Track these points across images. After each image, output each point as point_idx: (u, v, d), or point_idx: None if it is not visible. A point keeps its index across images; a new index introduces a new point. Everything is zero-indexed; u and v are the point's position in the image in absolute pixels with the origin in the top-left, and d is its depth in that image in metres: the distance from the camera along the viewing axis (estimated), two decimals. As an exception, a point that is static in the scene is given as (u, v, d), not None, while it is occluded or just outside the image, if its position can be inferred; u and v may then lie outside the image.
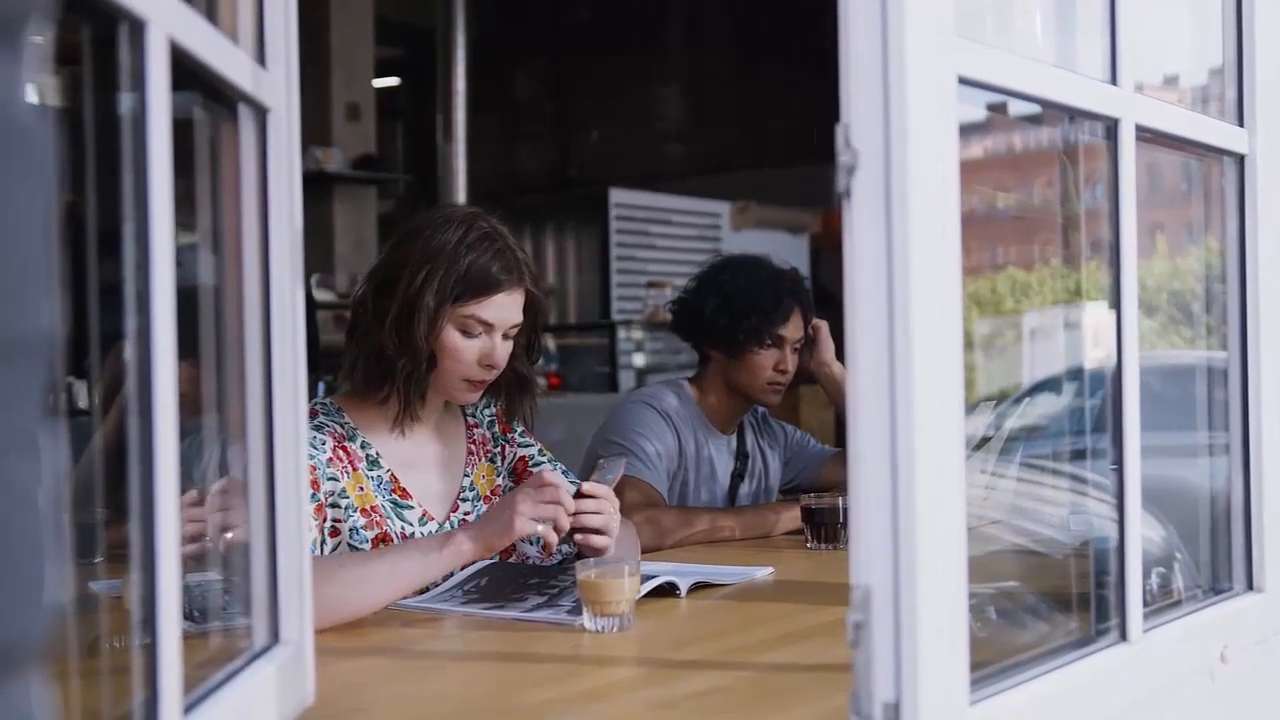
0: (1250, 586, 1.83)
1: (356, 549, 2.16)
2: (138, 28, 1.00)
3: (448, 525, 2.28)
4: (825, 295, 5.48)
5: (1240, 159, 1.82)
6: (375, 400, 2.26)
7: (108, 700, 1.16)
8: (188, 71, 1.12)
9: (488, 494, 2.38)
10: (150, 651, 1.01)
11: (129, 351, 1.01)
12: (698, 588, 2.18)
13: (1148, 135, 1.60)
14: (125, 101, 1.02)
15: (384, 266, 2.24)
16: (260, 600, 1.36)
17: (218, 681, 1.21)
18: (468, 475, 2.36)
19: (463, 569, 2.16)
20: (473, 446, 2.40)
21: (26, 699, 0.58)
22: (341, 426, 2.23)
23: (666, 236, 8.07)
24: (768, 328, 2.98)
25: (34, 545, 0.57)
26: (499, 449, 2.44)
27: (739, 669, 1.69)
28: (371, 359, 2.22)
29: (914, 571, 1.17)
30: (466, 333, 2.21)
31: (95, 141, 1.04)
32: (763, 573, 2.35)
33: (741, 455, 3.15)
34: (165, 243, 1.02)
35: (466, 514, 2.32)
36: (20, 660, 0.57)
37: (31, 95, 0.59)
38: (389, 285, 2.20)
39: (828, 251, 8.30)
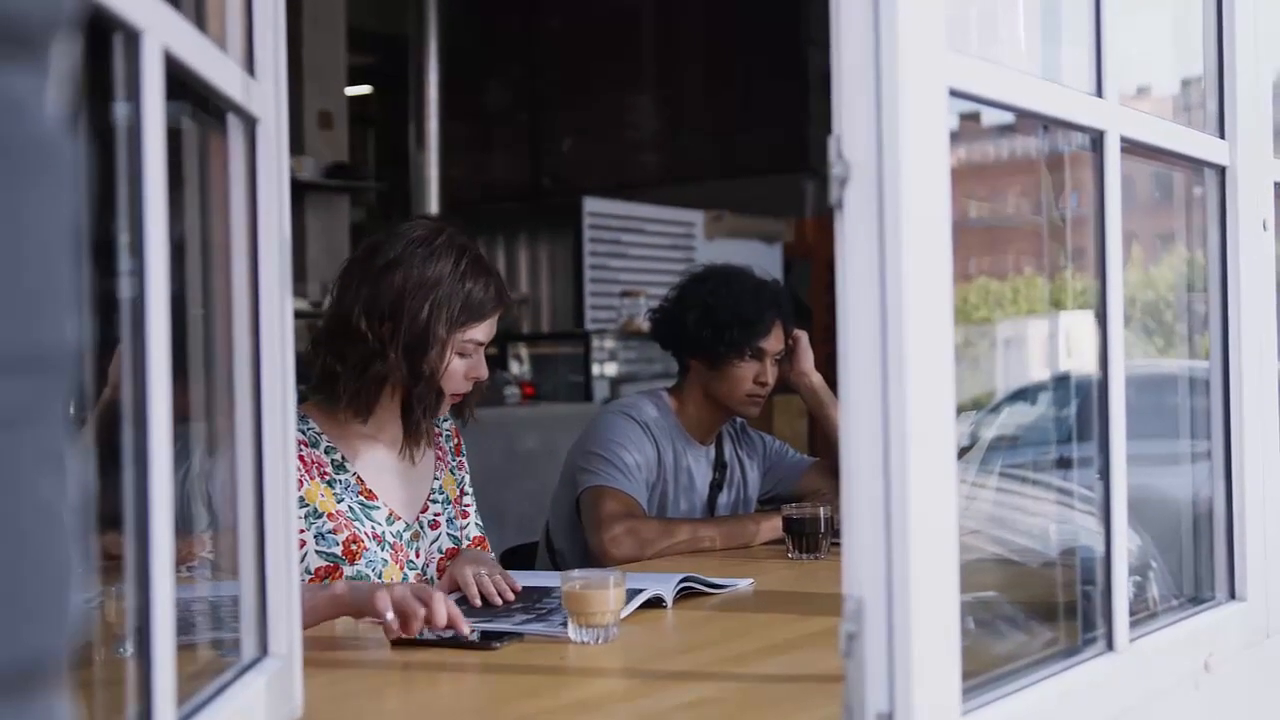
0: (1232, 596, 1.84)
1: (325, 554, 2.21)
2: (133, 37, 1.00)
3: (416, 525, 2.36)
4: (798, 304, 5.49)
5: (1221, 170, 1.84)
6: (359, 419, 2.30)
7: (97, 712, 1.15)
8: (177, 81, 1.11)
9: (454, 499, 2.46)
10: (144, 665, 1.00)
11: (124, 362, 1.00)
12: (684, 595, 2.18)
13: (1131, 147, 1.61)
14: (119, 110, 1.02)
15: (376, 295, 2.25)
16: (249, 613, 1.35)
17: (208, 695, 1.21)
18: (437, 479, 2.44)
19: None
20: (439, 453, 2.47)
21: (52, 713, 0.57)
22: (304, 433, 2.26)
23: (640, 245, 8.06)
24: (749, 340, 2.98)
25: (60, 561, 0.57)
26: (456, 463, 2.52)
27: (727, 680, 1.69)
28: (374, 386, 2.26)
29: (907, 582, 1.17)
30: (463, 355, 2.30)
31: (87, 151, 1.03)
32: (744, 583, 2.36)
33: (720, 465, 3.15)
34: (159, 252, 1.02)
35: (437, 514, 2.40)
36: (49, 674, 0.57)
37: (55, 109, 0.59)
38: (389, 314, 2.24)
39: (800, 260, 8.32)
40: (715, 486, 3.13)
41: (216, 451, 1.42)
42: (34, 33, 0.57)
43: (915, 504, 1.17)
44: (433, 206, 8.82)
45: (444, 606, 1.84)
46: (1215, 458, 1.88)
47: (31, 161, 0.57)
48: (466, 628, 1.86)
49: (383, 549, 2.26)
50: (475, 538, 2.49)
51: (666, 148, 9.82)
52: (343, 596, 1.95)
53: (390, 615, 1.83)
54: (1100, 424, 1.55)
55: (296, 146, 7.48)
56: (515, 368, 7.42)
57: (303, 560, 2.18)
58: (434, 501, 2.42)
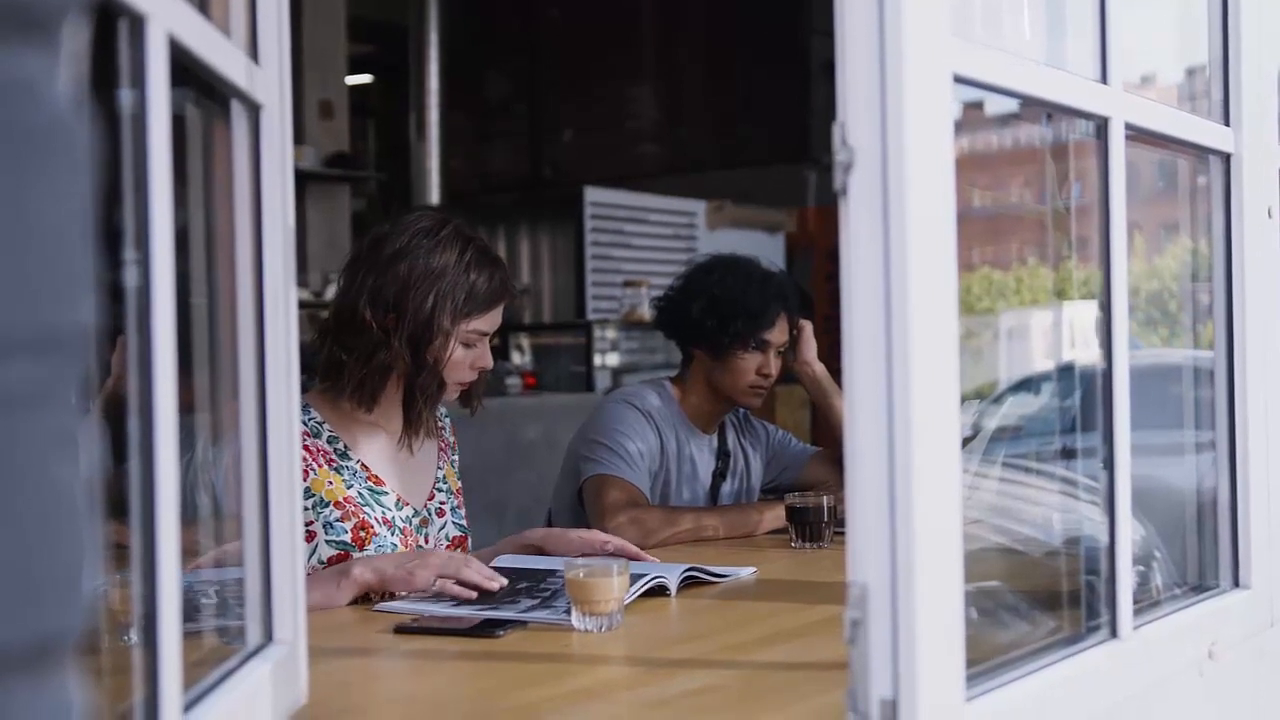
0: (1236, 584, 1.84)
1: (335, 542, 2.23)
2: (137, 23, 1.00)
3: (425, 512, 2.39)
4: (802, 295, 5.50)
5: (1226, 158, 1.84)
6: (363, 408, 2.31)
7: (103, 699, 1.15)
8: (181, 67, 1.11)
9: (455, 491, 2.50)
10: (150, 651, 1.00)
11: (129, 351, 1.00)
12: (687, 585, 2.18)
13: (1136, 134, 1.61)
14: (124, 97, 1.01)
15: (381, 285, 2.27)
16: (254, 599, 1.35)
17: (214, 681, 1.21)
18: (440, 468, 2.47)
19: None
20: (442, 444, 2.50)
21: (66, 691, 0.58)
22: (305, 424, 2.28)
23: (642, 235, 8.05)
24: (754, 332, 2.98)
25: (74, 541, 0.57)
26: (455, 457, 2.56)
27: (730, 667, 1.69)
28: (378, 375, 2.28)
29: (911, 568, 1.17)
30: (466, 345, 2.32)
31: (93, 136, 1.03)
32: (747, 572, 2.36)
33: (723, 455, 3.15)
34: (165, 240, 1.02)
35: (442, 503, 2.44)
36: (61, 653, 0.57)
37: (68, 91, 0.59)
38: (394, 305, 2.26)
39: (802, 251, 8.32)
40: (719, 476, 3.13)
41: (220, 440, 1.42)
42: (46, 15, 0.57)
43: (919, 490, 1.17)
44: (433, 197, 8.82)
45: (480, 568, 2.08)
46: (1219, 446, 1.88)
47: (45, 143, 0.57)
48: (497, 584, 2.06)
49: (392, 534, 2.29)
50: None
51: (667, 138, 9.82)
52: (370, 583, 2.08)
53: (438, 585, 2.05)
54: (1104, 411, 1.55)
55: (297, 136, 7.43)
56: (517, 358, 7.42)
57: (314, 552, 2.20)
58: (439, 490, 2.45)
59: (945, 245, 1.23)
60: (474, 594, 2.04)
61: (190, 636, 1.32)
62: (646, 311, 7.09)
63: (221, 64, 1.21)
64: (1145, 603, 1.70)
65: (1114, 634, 1.54)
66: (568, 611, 1.91)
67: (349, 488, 2.27)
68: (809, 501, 2.68)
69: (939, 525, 1.21)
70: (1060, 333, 2.03)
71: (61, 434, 0.57)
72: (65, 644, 0.58)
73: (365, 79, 10.46)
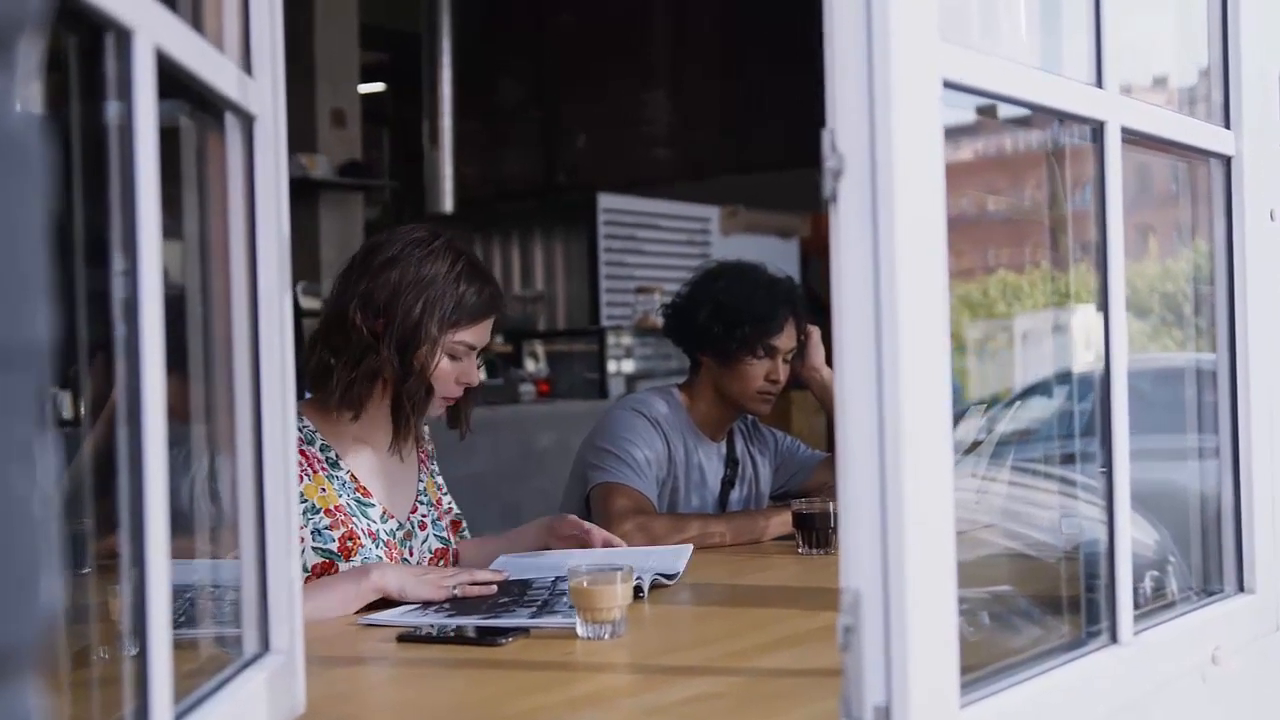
0: (1240, 588, 1.83)
1: (322, 550, 2.25)
2: (124, 37, 1.00)
3: (409, 525, 2.42)
4: (814, 300, 5.49)
5: (1227, 160, 1.83)
6: (348, 416, 2.32)
7: (96, 710, 1.16)
8: (173, 80, 1.12)
9: (435, 502, 2.52)
10: (141, 661, 1.01)
11: (118, 361, 1.00)
12: (655, 586, 2.22)
13: (1134, 137, 1.60)
14: (111, 110, 1.02)
15: (372, 291, 2.29)
16: (251, 609, 1.36)
17: (208, 690, 1.21)
18: (421, 480, 2.50)
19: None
20: (423, 456, 2.53)
21: (23, 703, 0.58)
22: (300, 431, 2.29)
23: (655, 241, 8.06)
24: (761, 338, 2.98)
25: (31, 552, 0.57)
26: (435, 466, 2.58)
27: (730, 674, 1.69)
28: (366, 380, 2.30)
29: (903, 575, 1.17)
30: (453, 357, 2.34)
31: (81, 150, 1.04)
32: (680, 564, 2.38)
33: (732, 462, 3.15)
34: (153, 252, 1.02)
35: (424, 516, 2.46)
36: (17, 665, 0.57)
37: (24, 104, 0.59)
38: (383, 310, 2.28)
39: (817, 256, 8.31)
40: (727, 483, 3.13)
41: (221, 451, 1.42)
42: (2, 32, 0.57)
43: (911, 497, 1.17)
44: (447, 204, 8.83)
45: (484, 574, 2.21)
46: (1223, 450, 1.87)
47: (2, 158, 0.57)
48: (502, 576, 2.21)
49: (377, 546, 2.31)
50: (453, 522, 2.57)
51: (681, 143, 9.81)
52: (388, 589, 2.11)
53: (458, 592, 2.13)
54: (1103, 414, 1.54)
55: (309, 145, 7.48)
56: (530, 365, 7.42)
57: (300, 556, 2.20)
58: (420, 503, 2.47)
59: (935, 252, 1.22)
60: (494, 589, 2.15)
61: (187, 646, 1.33)
62: (658, 317, 7.09)
63: (212, 76, 1.22)
64: (1154, 607, 1.70)
65: (1114, 639, 1.53)
66: (569, 615, 1.91)
67: (339, 497, 2.29)
68: (815, 507, 2.68)
69: (931, 531, 1.20)
70: (1072, 336, 2.02)
71: (18, 444, 0.57)
72: (20, 654, 0.58)
73: (378, 87, 10.47)
